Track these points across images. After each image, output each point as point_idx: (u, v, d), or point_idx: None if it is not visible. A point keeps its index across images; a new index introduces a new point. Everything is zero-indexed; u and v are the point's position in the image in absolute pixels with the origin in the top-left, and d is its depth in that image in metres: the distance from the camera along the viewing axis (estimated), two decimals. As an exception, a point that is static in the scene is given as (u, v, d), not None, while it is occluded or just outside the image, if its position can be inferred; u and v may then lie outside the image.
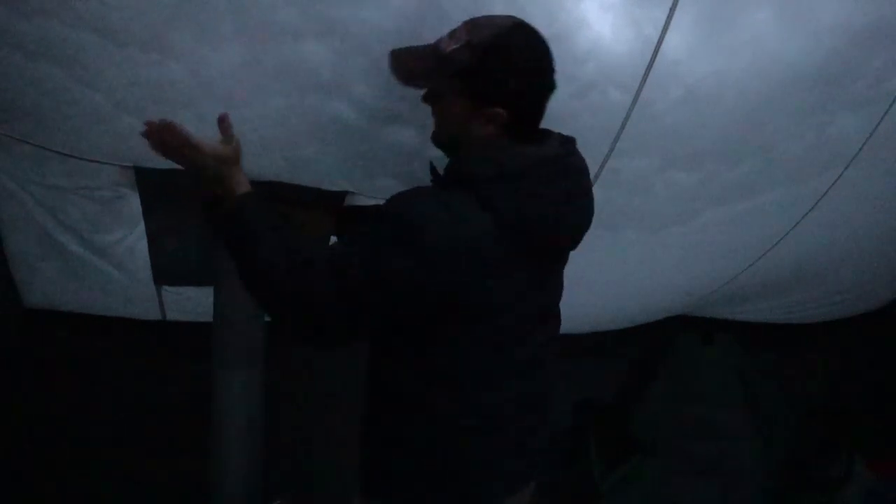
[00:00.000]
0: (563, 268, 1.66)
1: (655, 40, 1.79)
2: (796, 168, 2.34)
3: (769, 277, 2.95)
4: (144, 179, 1.89)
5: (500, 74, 1.42)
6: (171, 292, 2.35)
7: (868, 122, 2.25)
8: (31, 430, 2.51)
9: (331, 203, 2.04)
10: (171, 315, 2.47)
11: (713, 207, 2.39)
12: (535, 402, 1.63)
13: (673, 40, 1.80)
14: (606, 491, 3.17)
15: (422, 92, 1.54)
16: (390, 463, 1.57)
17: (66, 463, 2.53)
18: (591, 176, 2.06)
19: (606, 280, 2.65)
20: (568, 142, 1.54)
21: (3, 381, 2.41)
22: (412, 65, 1.51)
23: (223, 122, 1.49)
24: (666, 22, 1.75)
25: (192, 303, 2.35)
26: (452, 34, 1.46)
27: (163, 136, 1.43)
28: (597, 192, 2.12)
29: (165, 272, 2.23)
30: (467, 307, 1.40)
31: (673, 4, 1.73)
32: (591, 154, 2.01)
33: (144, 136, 1.44)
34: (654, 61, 1.81)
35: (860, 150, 2.32)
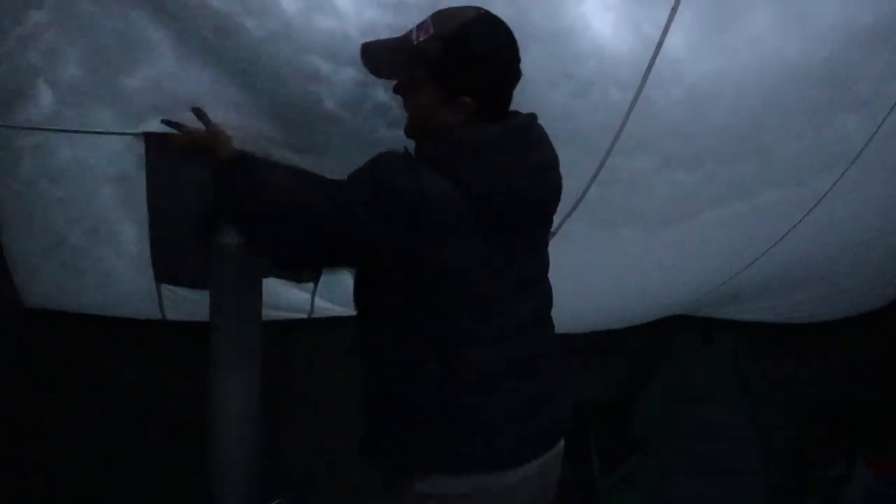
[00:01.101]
0: (542, 240, 1.72)
1: (656, 40, 1.79)
2: (796, 168, 2.33)
3: (769, 277, 2.95)
4: (152, 149, 1.91)
5: (466, 65, 1.48)
6: (171, 291, 2.35)
7: (869, 123, 2.25)
8: (30, 430, 2.51)
9: None
10: (171, 315, 2.47)
11: (713, 207, 2.39)
12: (536, 367, 1.65)
13: (673, 39, 1.80)
14: (606, 491, 3.17)
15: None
16: (389, 428, 1.62)
17: (65, 463, 2.53)
18: (590, 174, 2.07)
19: (606, 279, 2.65)
20: (528, 117, 1.59)
21: (3, 382, 2.41)
22: (383, 57, 1.57)
23: (198, 112, 1.73)
24: (667, 22, 1.75)
25: (192, 303, 2.35)
26: (420, 26, 1.51)
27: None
28: (596, 190, 2.14)
29: (167, 273, 2.23)
30: (422, 267, 1.48)
31: (674, 4, 1.73)
32: (590, 152, 2.04)
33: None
34: (654, 60, 1.81)
35: (861, 150, 2.32)
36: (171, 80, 1.73)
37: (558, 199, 1.68)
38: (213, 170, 1.68)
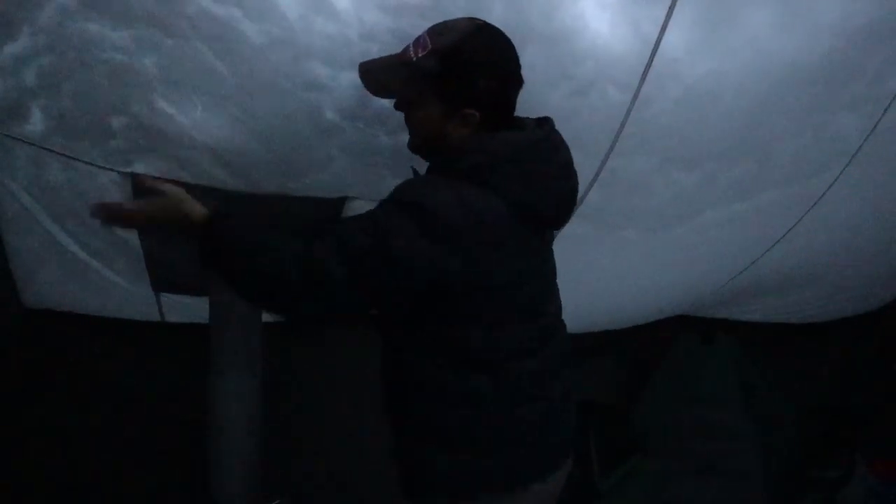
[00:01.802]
0: (552, 240, 1.73)
1: (654, 39, 1.79)
2: (795, 168, 2.34)
3: (769, 277, 2.95)
4: (138, 190, 1.89)
5: (468, 77, 1.47)
6: (169, 297, 2.35)
7: (867, 122, 2.26)
8: (30, 431, 2.51)
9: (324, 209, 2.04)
10: (171, 317, 2.47)
11: (713, 207, 2.39)
12: (558, 368, 1.67)
13: (672, 39, 1.80)
14: (606, 491, 3.17)
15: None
16: (433, 457, 1.60)
17: (65, 463, 2.53)
18: (591, 176, 2.07)
19: (606, 280, 2.65)
20: (545, 122, 1.60)
21: (3, 382, 2.41)
22: (382, 76, 1.56)
23: (141, 183, 1.62)
24: (665, 21, 1.75)
25: (192, 306, 2.35)
26: (417, 42, 1.51)
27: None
28: (596, 191, 2.14)
29: (163, 281, 2.23)
30: (484, 284, 1.46)
31: (672, 3, 1.73)
32: (590, 153, 2.04)
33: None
34: (652, 60, 1.81)
35: (859, 149, 2.32)
36: (159, 118, 1.72)
37: (577, 196, 1.69)
38: (193, 238, 1.54)
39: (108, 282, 2.22)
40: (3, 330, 2.41)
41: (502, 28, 1.52)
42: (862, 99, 2.18)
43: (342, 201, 2.03)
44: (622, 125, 1.96)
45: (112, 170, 1.81)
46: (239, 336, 2.05)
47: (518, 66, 1.53)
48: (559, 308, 1.72)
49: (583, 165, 2.04)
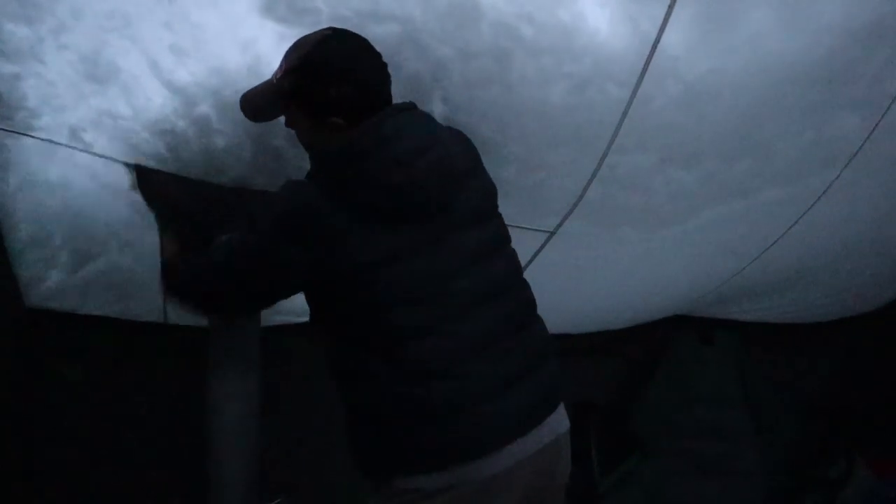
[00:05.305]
0: (477, 214, 1.65)
1: (653, 37, 1.79)
2: (795, 167, 2.34)
3: (768, 277, 2.95)
4: (145, 181, 1.90)
5: (318, 89, 1.53)
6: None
7: (867, 122, 2.26)
8: (30, 431, 2.51)
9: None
10: (173, 318, 2.47)
11: (712, 206, 2.39)
12: (497, 343, 1.61)
13: (672, 37, 1.81)
14: (606, 491, 3.17)
15: None
16: (360, 436, 1.62)
17: (64, 464, 2.53)
18: (589, 173, 2.07)
19: (606, 279, 2.66)
20: (384, 112, 1.56)
21: (4, 381, 2.41)
22: (254, 103, 1.64)
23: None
24: (665, 18, 1.76)
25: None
26: (280, 64, 1.57)
27: None
28: (595, 188, 2.14)
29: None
30: (337, 273, 1.51)
31: (671, 2, 1.73)
32: (588, 150, 2.04)
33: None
34: (651, 57, 1.81)
35: (859, 149, 2.33)
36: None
37: (453, 175, 1.60)
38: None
39: (110, 280, 2.22)
40: (4, 329, 2.41)
41: (504, 24, 1.51)
42: (862, 99, 2.19)
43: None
44: (621, 121, 1.97)
45: (117, 160, 1.82)
46: (239, 337, 2.05)
47: (376, 66, 1.56)
48: (488, 285, 1.63)
49: (582, 162, 2.06)
